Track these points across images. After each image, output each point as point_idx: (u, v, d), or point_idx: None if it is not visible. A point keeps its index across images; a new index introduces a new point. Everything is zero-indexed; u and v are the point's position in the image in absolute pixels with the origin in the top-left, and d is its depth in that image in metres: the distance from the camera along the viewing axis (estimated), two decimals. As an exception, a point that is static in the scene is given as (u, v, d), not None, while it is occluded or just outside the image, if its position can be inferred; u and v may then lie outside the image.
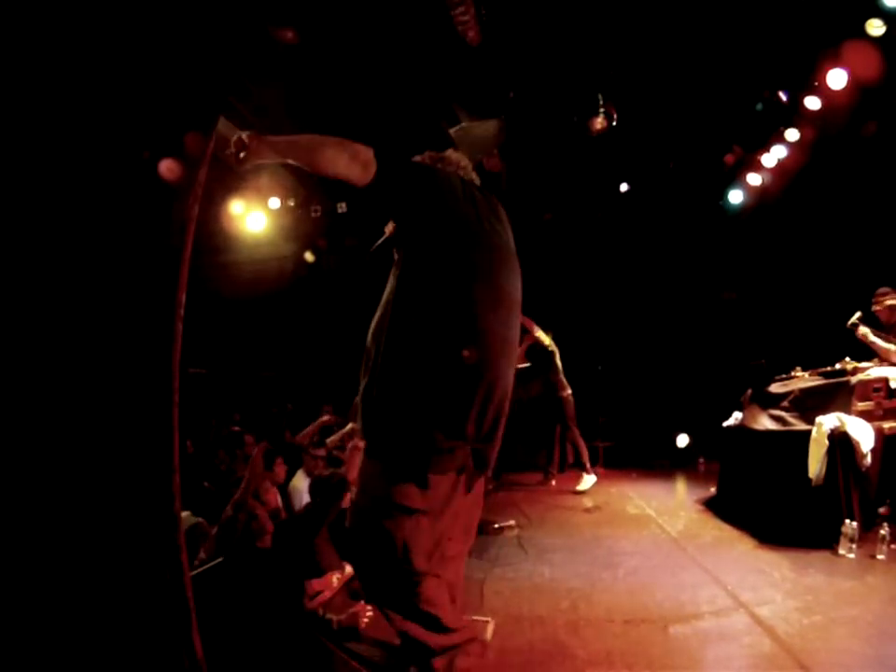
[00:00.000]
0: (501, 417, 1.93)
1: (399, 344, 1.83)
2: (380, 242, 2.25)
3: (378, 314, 1.98)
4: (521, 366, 5.99)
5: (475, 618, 2.77)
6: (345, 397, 6.50)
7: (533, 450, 8.21)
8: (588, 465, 6.11)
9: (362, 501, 1.93)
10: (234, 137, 1.61)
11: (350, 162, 1.78)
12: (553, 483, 6.39)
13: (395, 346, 1.84)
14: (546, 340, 6.28)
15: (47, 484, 1.01)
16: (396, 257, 2.08)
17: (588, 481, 6.00)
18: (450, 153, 2.22)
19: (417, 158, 2.15)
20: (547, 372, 6.32)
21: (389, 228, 2.25)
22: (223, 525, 2.66)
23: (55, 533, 1.01)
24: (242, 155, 1.62)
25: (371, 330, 1.97)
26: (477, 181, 2.20)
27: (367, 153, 1.80)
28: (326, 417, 5.46)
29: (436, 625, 1.86)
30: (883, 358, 4.18)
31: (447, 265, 1.84)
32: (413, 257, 1.91)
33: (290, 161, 1.79)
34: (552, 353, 6.30)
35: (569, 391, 6.28)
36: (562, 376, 6.32)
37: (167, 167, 1.08)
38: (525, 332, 5.89)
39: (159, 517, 1.10)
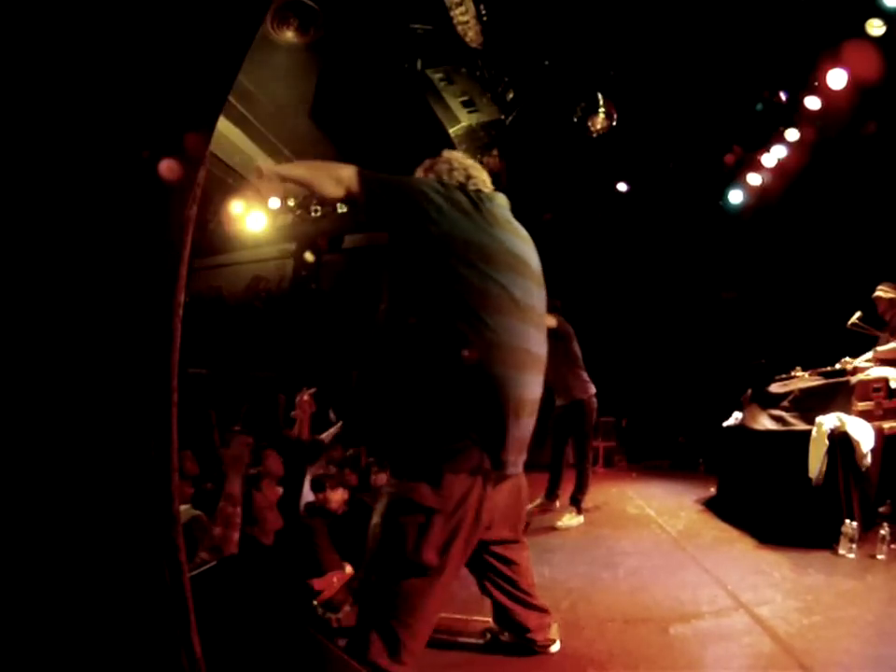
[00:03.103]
0: (520, 420, 1.98)
1: (418, 360, 1.91)
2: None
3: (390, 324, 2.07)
4: None
5: (475, 618, 2.77)
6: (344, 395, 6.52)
7: (532, 450, 8.20)
8: (582, 501, 4.84)
9: (383, 496, 1.99)
10: (255, 167, 1.98)
11: (336, 186, 1.93)
12: (558, 504, 5.15)
13: (414, 362, 1.92)
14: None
15: (45, 484, 1.01)
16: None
17: (575, 520, 4.69)
18: (446, 154, 2.25)
19: (419, 171, 2.23)
20: (567, 366, 6.01)
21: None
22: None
23: (53, 533, 1.01)
24: (257, 180, 1.98)
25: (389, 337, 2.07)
26: (486, 185, 2.21)
27: (350, 178, 1.93)
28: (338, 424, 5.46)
29: (396, 647, 1.84)
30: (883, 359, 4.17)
31: (447, 280, 1.89)
32: (406, 270, 1.99)
33: (295, 184, 2.05)
34: (568, 338, 6.04)
35: (593, 389, 5.02)
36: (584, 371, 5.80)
37: (166, 167, 1.08)
38: None
39: (158, 517, 1.09)
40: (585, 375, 4.94)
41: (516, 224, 2.16)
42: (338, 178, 1.93)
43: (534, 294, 2.06)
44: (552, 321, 4.50)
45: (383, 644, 1.85)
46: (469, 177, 2.16)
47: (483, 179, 2.20)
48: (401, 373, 1.95)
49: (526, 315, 1.99)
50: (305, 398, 5.06)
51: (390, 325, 2.03)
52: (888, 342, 4.33)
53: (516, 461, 2.03)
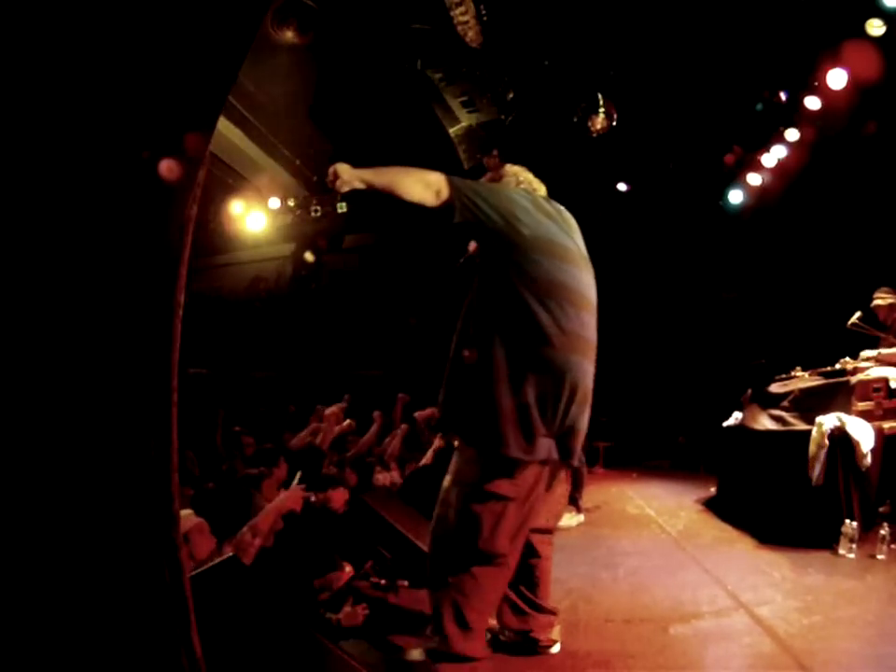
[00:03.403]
0: (585, 411, 2.11)
1: (488, 349, 2.02)
2: (464, 258, 2.46)
3: (463, 321, 2.19)
4: None
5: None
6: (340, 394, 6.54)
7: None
8: (581, 501, 4.97)
9: (453, 486, 2.08)
10: (331, 168, 2.00)
11: (424, 189, 2.03)
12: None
13: (483, 351, 2.03)
14: None
15: (45, 485, 1.01)
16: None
17: (575, 519, 4.81)
18: (508, 167, 2.42)
19: (482, 180, 2.36)
20: None
21: (472, 246, 2.44)
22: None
23: (54, 533, 1.01)
24: (338, 183, 1.99)
25: (458, 335, 2.19)
26: (542, 191, 2.39)
27: (438, 181, 2.04)
28: (347, 423, 5.51)
29: (464, 624, 1.98)
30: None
31: (527, 275, 2.03)
32: (493, 270, 2.10)
33: (376, 188, 2.04)
34: None
35: None
36: None
37: (166, 167, 1.08)
38: None
39: (158, 517, 1.10)
40: None
41: (574, 223, 2.32)
42: (426, 183, 2.03)
43: (588, 285, 2.21)
44: None
45: (457, 627, 1.97)
46: (532, 189, 2.35)
47: (541, 188, 2.40)
48: (477, 362, 2.05)
49: (584, 304, 2.14)
50: (334, 409, 5.15)
51: (472, 318, 2.14)
52: (889, 343, 4.33)
53: (578, 451, 2.15)
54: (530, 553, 2.36)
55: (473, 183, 2.16)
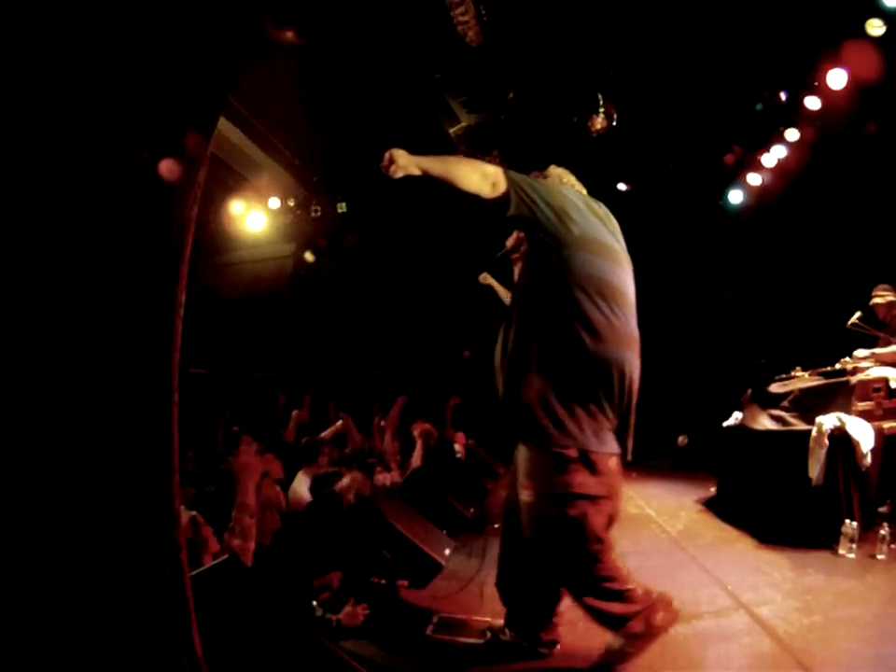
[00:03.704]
0: (633, 401, 2.20)
1: (542, 346, 2.10)
2: (501, 253, 2.52)
3: (512, 319, 2.25)
4: None
5: (475, 618, 2.77)
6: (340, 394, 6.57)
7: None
8: None
9: (541, 499, 2.11)
10: (387, 153, 2.01)
11: (481, 180, 2.07)
12: None
13: (537, 348, 2.11)
14: None
15: (46, 484, 1.01)
16: (518, 267, 2.41)
17: None
18: (552, 169, 2.47)
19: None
20: None
21: (510, 241, 2.48)
22: None
23: (54, 532, 1.01)
24: (392, 168, 2.00)
25: (504, 335, 2.26)
26: (584, 191, 2.45)
27: (496, 173, 2.09)
28: (296, 412, 5.58)
29: (623, 598, 2.11)
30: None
31: (579, 273, 2.09)
32: (542, 266, 2.15)
33: (432, 175, 2.07)
34: None
35: None
36: None
37: (167, 167, 1.08)
38: None
39: (158, 517, 1.10)
40: None
41: (617, 224, 2.39)
42: (483, 174, 2.07)
43: (630, 284, 2.28)
44: None
45: (609, 603, 2.10)
46: (562, 182, 2.41)
47: (582, 191, 2.45)
48: (536, 364, 2.10)
49: (628, 303, 2.22)
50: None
51: (524, 317, 2.19)
52: (887, 342, 4.33)
53: (629, 444, 2.24)
54: None
55: (530, 178, 2.19)
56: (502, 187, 2.08)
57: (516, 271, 2.67)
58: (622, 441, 2.18)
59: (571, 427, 2.04)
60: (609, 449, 2.11)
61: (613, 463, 2.14)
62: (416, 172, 2.04)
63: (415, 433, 5.48)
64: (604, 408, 2.09)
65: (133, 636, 1.05)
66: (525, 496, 2.16)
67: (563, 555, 2.11)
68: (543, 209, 2.10)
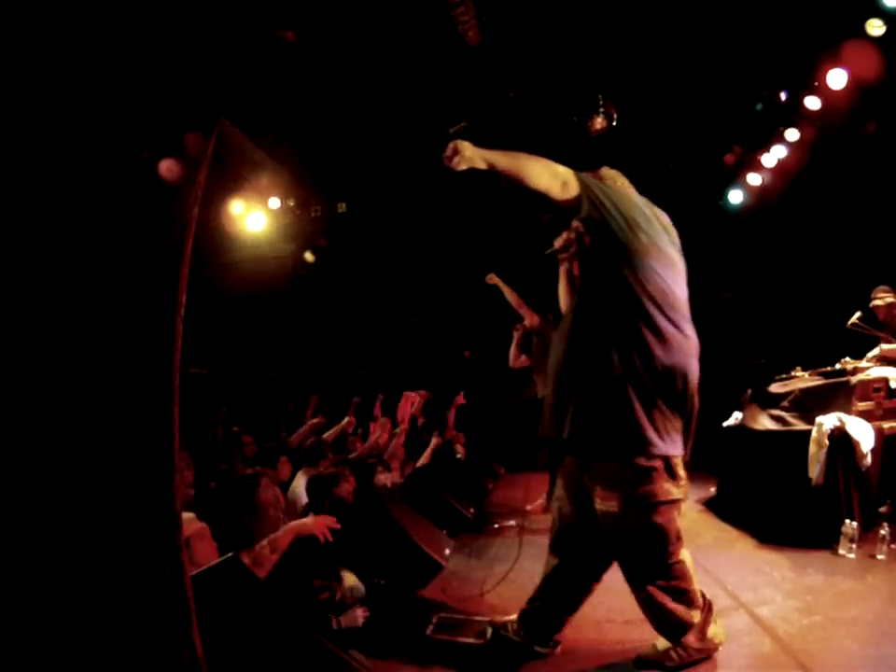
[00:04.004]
0: (695, 407, 2.21)
1: (616, 357, 2.08)
2: (549, 252, 2.56)
3: (569, 324, 2.28)
4: (519, 365, 5.66)
5: (475, 618, 2.77)
6: (340, 394, 6.57)
7: (533, 450, 8.21)
8: None
9: (627, 509, 2.12)
10: (451, 144, 1.99)
11: (551, 179, 2.06)
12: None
13: (610, 360, 2.08)
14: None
15: (46, 484, 1.01)
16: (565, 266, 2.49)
17: None
18: (605, 171, 2.41)
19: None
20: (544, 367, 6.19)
21: (559, 241, 2.49)
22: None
23: (55, 532, 1.01)
24: (456, 160, 1.98)
25: (565, 344, 2.26)
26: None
27: (567, 173, 2.08)
28: (316, 420, 5.55)
29: (689, 600, 2.18)
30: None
31: (645, 283, 2.08)
32: (607, 272, 2.13)
33: (498, 170, 2.04)
34: (549, 340, 6.16)
35: None
36: None
37: (167, 167, 1.08)
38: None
39: (159, 517, 1.10)
40: None
41: (676, 234, 2.35)
42: (554, 173, 2.07)
43: (685, 289, 2.26)
44: (534, 320, 4.99)
45: (677, 604, 2.15)
46: (616, 184, 2.37)
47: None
48: (612, 376, 2.09)
49: (684, 307, 2.22)
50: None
51: (591, 327, 2.18)
52: (888, 342, 4.33)
53: (689, 447, 2.25)
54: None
55: (600, 182, 2.20)
56: (573, 188, 2.06)
57: (562, 270, 2.70)
58: (685, 443, 2.21)
59: (652, 436, 2.06)
60: (681, 453, 2.16)
61: (683, 463, 2.19)
62: (482, 165, 2.01)
63: (432, 441, 5.50)
64: (674, 414, 2.13)
65: (134, 636, 1.05)
66: (607, 506, 2.15)
67: (645, 558, 2.17)
68: (614, 215, 2.07)
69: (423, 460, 5.26)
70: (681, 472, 2.15)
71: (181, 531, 1.15)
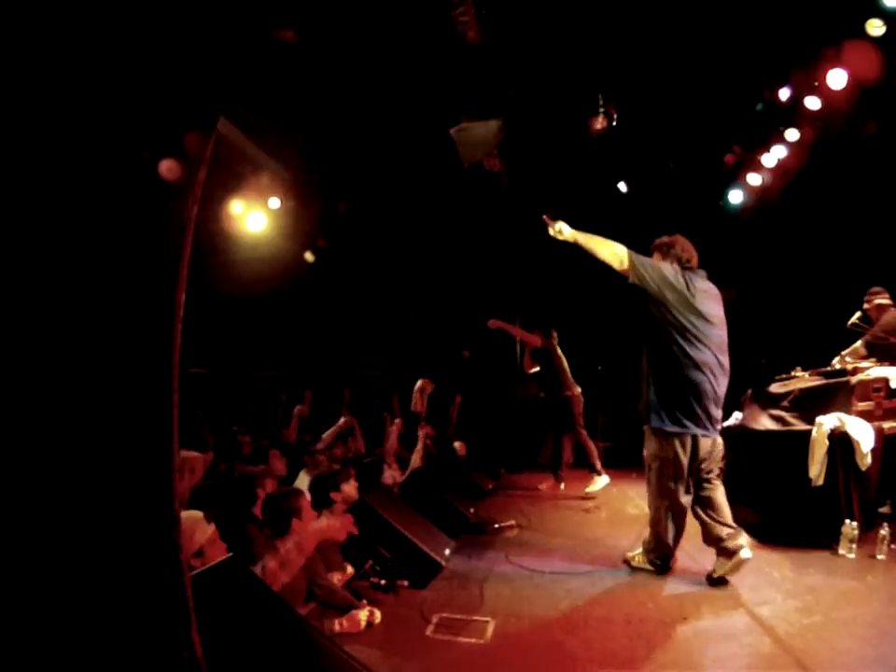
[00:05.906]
0: (713, 407, 3.24)
1: (659, 368, 3.28)
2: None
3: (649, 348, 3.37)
4: (532, 370, 6.67)
5: (475, 618, 2.77)
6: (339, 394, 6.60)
7: (533, 450, 8.21)
8: (598, 466, 5.96)
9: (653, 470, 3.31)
10: (558, 224, 3.33)
11: (612, 257, 3.24)
12: (563, 486, 6.23)
13: (646, 365, 3.36)
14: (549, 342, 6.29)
15: (46, 484, 1.01)
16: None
17: (600, 482, 5.87)
18: (678, 238, 3.58)
19: (660, 246, 3.58)
20: (552, 372, 6.26)
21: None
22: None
23: (55, 532, 1.01)
24: (555, 232, 3.33)
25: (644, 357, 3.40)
26: (694, 259, 3.50)
27: (623, 254, 3.24)
28: (298, 408, 5.63)
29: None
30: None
31: (674, 324, 3.19)
32: (652, 318, 3.25)
33: (579, 245, 3.31)
34: (552, 351, 6.26)
35: (578, 389, 6.25)
36: (569, 375, 6.26)
37: (167, 167, 1.08)
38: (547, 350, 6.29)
39: (158, 517, 1.10)
40: (570, 379, 6.30)
41: (709, 286, 3.41)
42: (615, 254, 3.23)
43: (713, 333, 3.25)
44: (537, 341, 6.22)
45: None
46: (689, 258, 3.43)
47: (694, 258, 3.48)
48: (653, 376, 3.30)
49: (710, 340, 3.22)
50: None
51: (645, 345, 3.39)
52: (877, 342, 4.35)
53: (707, 426, 3.23)
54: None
55: (645, 259, 3.30)
56: (626, 264, 3.20)
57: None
58: (704, 425, 3.22)
59: (652, 416, 3.28)
60: (676, 430, 3.22)
61: (687, 439, 3.23)
62: (570, 240, 3.28)
63: (420, 434, 5.49)
64: (695, 404, 3.16)
65: (134, 635, 1.05)
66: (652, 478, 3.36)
67: (666, 501, 3.28)
68: (651, 281, 3.20)
69: (416, 455, 5.25)
70: (673, 441, 3.19)
71: (181, 531, 1.15)
